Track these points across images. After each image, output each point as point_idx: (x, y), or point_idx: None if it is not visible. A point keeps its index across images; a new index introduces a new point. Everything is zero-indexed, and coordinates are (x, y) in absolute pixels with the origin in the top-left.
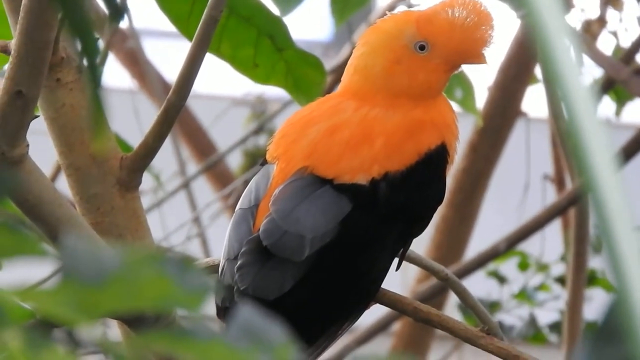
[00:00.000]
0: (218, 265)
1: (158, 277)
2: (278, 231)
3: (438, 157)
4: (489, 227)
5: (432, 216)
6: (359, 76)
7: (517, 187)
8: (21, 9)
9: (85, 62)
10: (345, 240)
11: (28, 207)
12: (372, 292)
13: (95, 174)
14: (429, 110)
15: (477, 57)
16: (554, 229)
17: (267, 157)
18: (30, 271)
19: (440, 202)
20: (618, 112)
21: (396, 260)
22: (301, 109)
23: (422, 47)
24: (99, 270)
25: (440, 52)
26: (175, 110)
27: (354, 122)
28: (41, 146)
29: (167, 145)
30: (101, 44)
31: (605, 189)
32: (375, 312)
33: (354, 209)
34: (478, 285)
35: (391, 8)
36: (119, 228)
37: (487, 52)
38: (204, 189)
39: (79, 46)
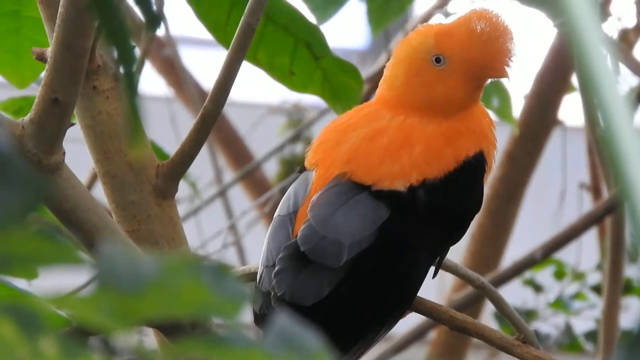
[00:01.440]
0: (254, 273)
1: (195, 284)
2: (316, 237)
3: (476, 165)
4: (525, 236)
5: (469, 224)
6: (387, 87)
7: (553, 196)
8: (58, 16)
9: (121, 69)
10: (383, 246)
11: (64, 214)
12: (408, 300)
13: (132, 182)
14: (465, 119)
15: (496, 71)
16: (590, 237)
17: (306, 163)
18: (67, 279)
19: (477, 209)
20: None
21: (433, 267)
22: (338, 116)
23: (438, 60)
24: (136, 278)
25: (457, 65)
26: (212, 118)
27: (392, 128)
28: (77, 154)
29: (204, 153)
30: (138, 51)
31: None
32: (411, 320)
33: (392, 216)
34: (514, 293)
35: (428, 17)
36: (155, 236)
37: (510, 64)
38: (240, 197)
39: (115, 54)
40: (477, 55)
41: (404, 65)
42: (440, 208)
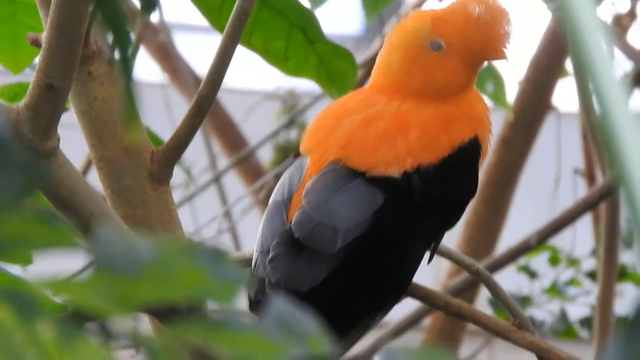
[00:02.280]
0: (249, 259)
1: (191, 268)
2: (310, 223)
3: (471, 150)
4: (520, 222)
5: (464, 209)
6: (382, 74)
7: (548, 181)
8: (52, 1)
9: (117, 54)
10: (378, 232)
11: (60, 200)
12: (404, 285)
13: (127, 167)
14: (460, 104)
15: (495, 53)
16: (585, 223)
17: (301, 149)
18: (62, 265)
19: (472, 195)
20: None
21: (428, 253)
22: (333, 102)
23: (435, 45)
24: (133, 261)
25: (455, 50)
26: (206, 103)
27: (388, 114)
28: (71, 140)
29: (198, 140)
30: (132, 37)
31: (637, 182)
32: (406, 306)
33: (387, 201)
34: (509, 280)
35: (421, 2)
36: (150, 221)
37: (507, 47)
38: (234, 183)
39: (110, 38)
40: (476, 39)
41: (400, 52)
42: (435, 194)
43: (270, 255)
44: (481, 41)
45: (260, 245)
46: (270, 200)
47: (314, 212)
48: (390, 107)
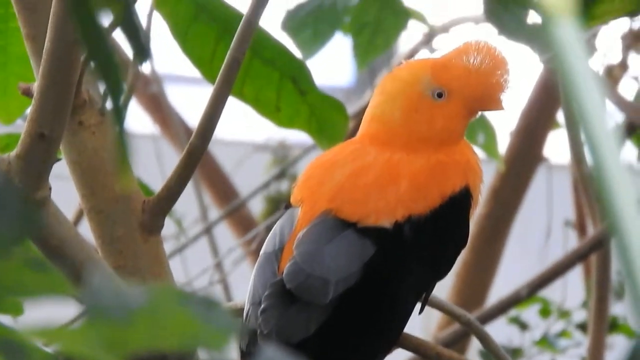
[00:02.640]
0: (241, 309)
1: (183, 315)
2: (302, 274)
3: (462, 200)
4: (510, 273)
5: (455, 259)
6: (377, 124)
7: (538, 233)
8: (44, 51)
9: (109, 102)
10: (369, 283)
11: (50, 249)
12: (395, 336)
13: (118, 217)
14: (451, 153)
15: (494, 103)
16: (576, 275)
17: (292, 200)
18: (53, 314)
19: (464, 245)
20: None
21: (419, 303)
22: (324, 153)
23: (439, 95)
24: (124, 308)
25: (457, 98)
26: (198, 153)
27: (379, 164)
28: (63, 190)
29: (189, 191)
30: (125, 86)
31: (630, 233)
32: (398, 357)
33: (378, 252)
34: (500, 331)
35: (413, 53)
36: (141, 272)
37: (505, 97)
38: (226, 234)
39: (103, 87)
40: (478, 87)
41: (399, 101)
42: (426, 244)
43: (262, 306)
44: (483, 89)
45: (252, 297)
46: (262, 252)
47: (306, 263)
48: (381, 158)
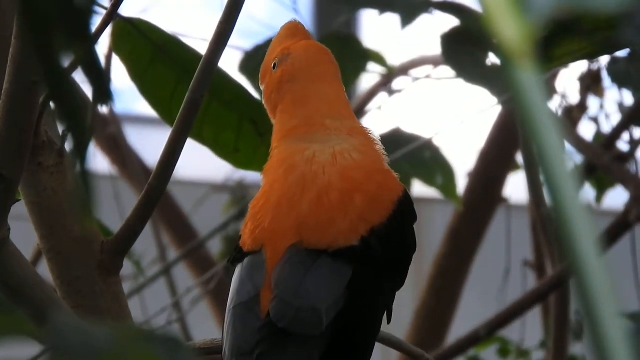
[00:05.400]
0: (201, 348)
1: (150, 355)
2: (291, 309)
3: (407, 204)
4: (469, 313)
5: (409, 267)
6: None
7: (497, 273)
8: (3, 92)
9: (68, 143)
10: (354, 303)
11: (10, 290)
12: (370, 353)
13: (77, 258)
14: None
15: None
16: (535, 315)
17: (242, 244)
18: (14, 354)
19: (414, 250)
20: (599, 199)
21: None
22: (260, 189)
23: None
24: (91, 348)
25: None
26: (156, 194)
27: (318, 181)
28: (21, 230)
29: (148, 231)
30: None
31: (589, 273)
32: None
33: (355, 271)
34: None
35: (372, 94)
36: (100, 311)
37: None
38: (184, 274)
39: (62, 128)
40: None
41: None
42: (390, 253)
43: (257, 352)
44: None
45: (237, 348)
46: (233, 305)
47: (291, 298)
48: (310, 168)
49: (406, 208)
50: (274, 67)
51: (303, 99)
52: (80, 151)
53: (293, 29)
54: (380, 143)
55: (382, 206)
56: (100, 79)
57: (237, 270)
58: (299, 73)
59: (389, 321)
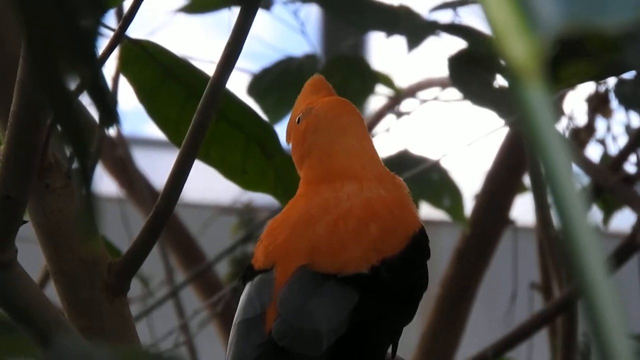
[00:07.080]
0: None
1: None
2: (293, 329)
3: (422, 239)
4: (476, 335)
5: (420, 301)
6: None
7: (504, 295)
8: (10, 114)
9: (75, 164)
10: (356, 330)
11: (16, 311)
12: None
13: (84, 279)
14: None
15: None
16: (542, 337)
17: (255, 262)
18: None
19: (427, 285)
20: (606, 221)
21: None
22: (281, 212)
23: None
24: None
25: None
26: (164, 216)
27: (339, 210)
28: (28, 252)
29: (155, 254)
30: (91, 150)
31: (597, 294)
32: None
33: (361, 299)
34: None
35: (379, 116)
36: (107, 333)
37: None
38: (191, 296)
39: (69, 149)
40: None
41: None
42: (400, 285)
43: None
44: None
45: None
46: (238, 321)
47: (294, 318)
48: (335, 195)
49: (420, 245)
50: (298, 122)
51: (329, 153)
52: (85, 174)
53: (317, 85)
54: (407, 188)
55: (397, 239)
56: (107, 101)
57: (247, 287)
58: (322, 124)
59: (393, 355)
